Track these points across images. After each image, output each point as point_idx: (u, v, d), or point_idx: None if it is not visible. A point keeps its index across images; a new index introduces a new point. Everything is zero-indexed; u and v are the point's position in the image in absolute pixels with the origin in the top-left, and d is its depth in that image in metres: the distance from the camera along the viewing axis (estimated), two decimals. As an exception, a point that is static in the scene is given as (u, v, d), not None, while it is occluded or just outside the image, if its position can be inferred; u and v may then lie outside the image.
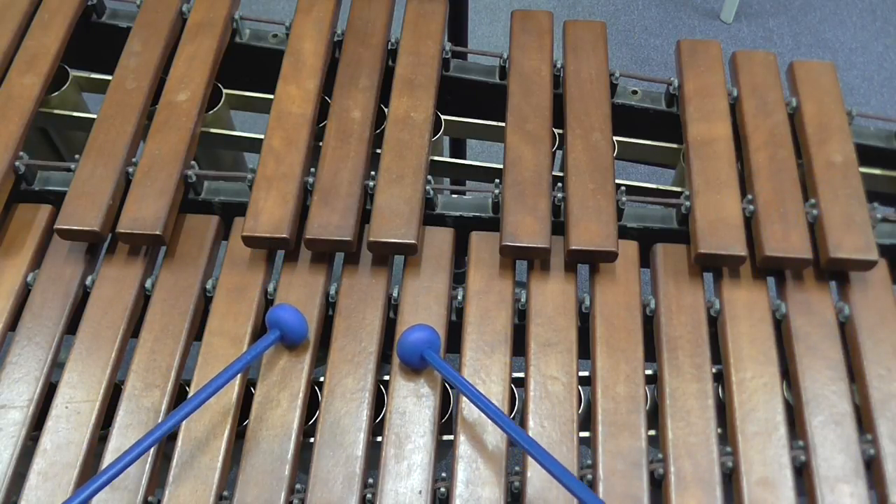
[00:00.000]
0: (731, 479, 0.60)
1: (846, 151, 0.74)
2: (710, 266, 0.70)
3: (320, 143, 0.73)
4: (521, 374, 0.66)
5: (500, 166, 0.73)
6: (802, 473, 0.61)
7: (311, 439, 0.61)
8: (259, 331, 0.67)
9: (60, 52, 0.79)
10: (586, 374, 0.66)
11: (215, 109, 0.83)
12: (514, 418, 0.66)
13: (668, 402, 0.63)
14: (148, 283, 0.68)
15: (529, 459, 0.60)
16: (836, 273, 0.69)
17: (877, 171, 0.81)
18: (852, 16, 1.89)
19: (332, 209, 0.69)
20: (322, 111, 0.77)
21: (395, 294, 0.68)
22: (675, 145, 0.84)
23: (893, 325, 0.67)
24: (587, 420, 0.64)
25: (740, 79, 0.80)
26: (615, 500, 0.58)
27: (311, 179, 0.71)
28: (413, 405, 0.63)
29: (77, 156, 0.71)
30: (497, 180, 0.72)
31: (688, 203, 0.71)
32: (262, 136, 0.73)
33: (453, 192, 0.76)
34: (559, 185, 0.72)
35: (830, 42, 1.84)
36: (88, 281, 0.69)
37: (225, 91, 0.85)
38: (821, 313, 0.67)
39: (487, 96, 0.85)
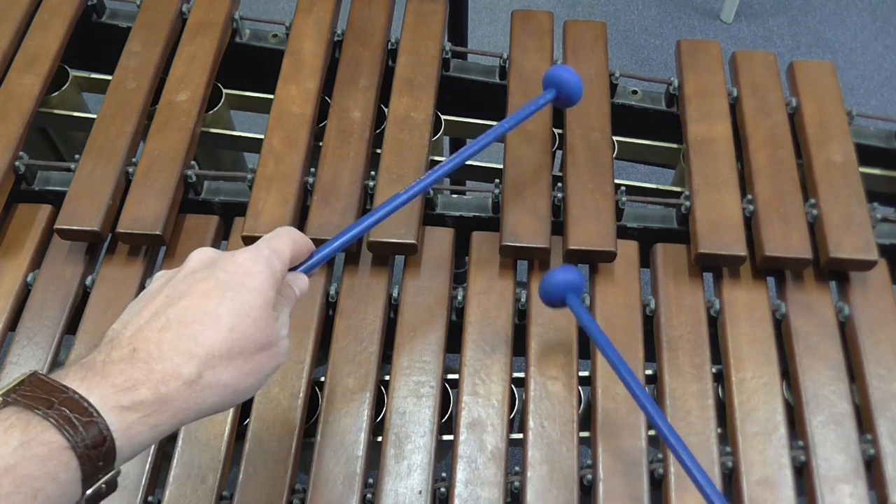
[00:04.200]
0: (731, 479, 0.60)
1: (846, 151, 0.74)
2: (710, 266, 0.70)
3: (320, 143, 0.73)
4: (522, 374, 0.66)
5: (500, 166, 0.73)
6: (802, 473, 0.61)
7: (312, 439, 0.61)
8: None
9: (60, 52, 0.79)
10: (586, 374, 0.66)
11: (215, 109, 0.83)
12: (513, 418, 0.66)
13: (668, 402, 0.63)
14: (148, 283, 0.68)
15: (529, 459, 0.60)
16: (836, 273, 0.69)
17: (877, 171, 0.81)
18: (852, 16, 1.89)
19: (332, 209, 0.69)
20: (322, 111, 0.77)
21: (395, 294, 0.68)
22: (675, 145, 0.84)
23: (893, 325, 0.66)
24: (587, 420, 0.64)
25: (740, 79, 0.80)
26: (615, 500, 0.58)
27: (311, 179, 0.71)
28: (413, 405, 0.63)
29: (77, 156, 0.71)
30: (497, 180, 0.72)
31: (688, 203, 0.71)
32: (262, 136, 0.73)
33: (453, 192, 0.76)
34: (559, 185, 0.72)
35: (830, 42, 1.84)
36: (88, 281, 0.69)
37: (225, 91, 0.85)
38: (821, 313, 0.67)
39: (487, 96, 0.85)
